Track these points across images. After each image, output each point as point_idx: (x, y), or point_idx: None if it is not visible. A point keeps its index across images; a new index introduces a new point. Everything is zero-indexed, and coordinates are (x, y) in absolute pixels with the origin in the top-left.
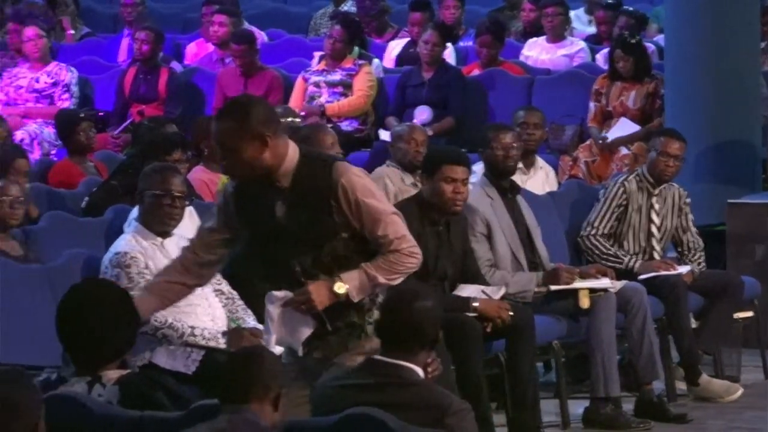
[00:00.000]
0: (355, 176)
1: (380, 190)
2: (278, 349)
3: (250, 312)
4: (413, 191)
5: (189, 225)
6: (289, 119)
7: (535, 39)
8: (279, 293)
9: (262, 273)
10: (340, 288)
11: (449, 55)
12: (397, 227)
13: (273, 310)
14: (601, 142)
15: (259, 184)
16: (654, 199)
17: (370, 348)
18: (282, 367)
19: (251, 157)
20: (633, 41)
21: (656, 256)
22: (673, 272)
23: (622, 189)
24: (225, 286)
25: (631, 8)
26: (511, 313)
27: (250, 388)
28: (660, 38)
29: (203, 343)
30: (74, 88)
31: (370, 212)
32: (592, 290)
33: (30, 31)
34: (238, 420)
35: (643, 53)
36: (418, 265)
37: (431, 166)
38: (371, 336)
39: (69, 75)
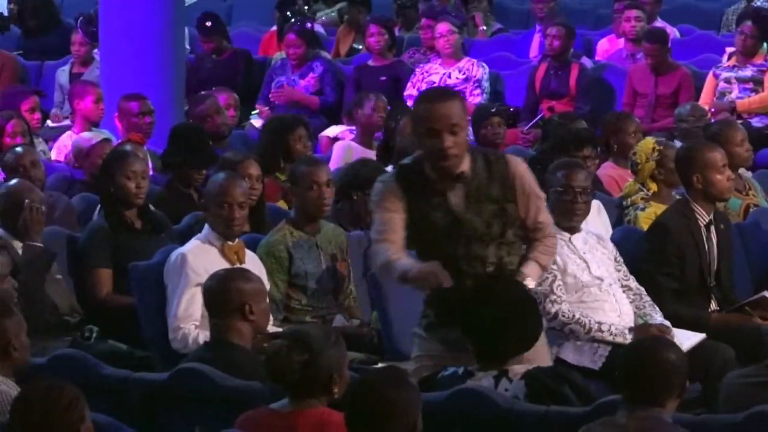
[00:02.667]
0: (526, 169)
1: None
2: (691, 340)
3: (657, 308)
4: None
5: (597, 220)
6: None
7: None
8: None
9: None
10: (530, 283)
11: None
12: (547, 213)
13: None
14: None
15: (422, 179)
16: None
17: None
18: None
19: (465, 137)
20: None
21: None
22: None
23: None
24: (633, 282)
25: None
26: None
27: (654, 385)
28: None
29: (610, 338)
30: (485, 84)
31: (536, 200)
32: None
33: (442, 26)
34: (641, 417)
35: None
36: None
37: None
38: None
39: (480, 71)
